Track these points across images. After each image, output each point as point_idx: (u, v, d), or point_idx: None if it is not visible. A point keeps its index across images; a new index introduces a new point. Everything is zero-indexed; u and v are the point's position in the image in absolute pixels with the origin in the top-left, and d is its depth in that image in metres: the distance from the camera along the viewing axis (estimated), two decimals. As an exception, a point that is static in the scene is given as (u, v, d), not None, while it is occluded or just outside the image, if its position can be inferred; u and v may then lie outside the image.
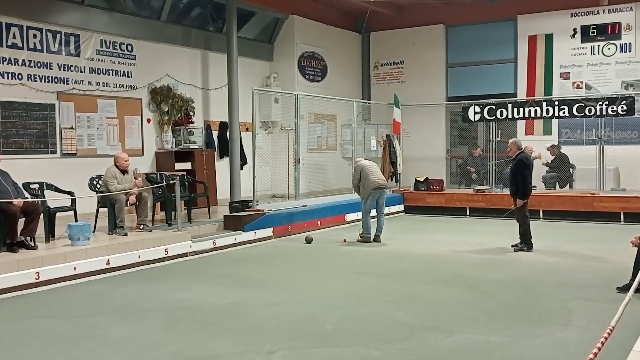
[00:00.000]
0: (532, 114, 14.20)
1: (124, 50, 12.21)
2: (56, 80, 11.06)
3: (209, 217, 11.21)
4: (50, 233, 8.62)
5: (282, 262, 9.21)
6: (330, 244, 10.67)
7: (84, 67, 11.51)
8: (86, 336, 5.53)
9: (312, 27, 16.14)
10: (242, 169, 13.06)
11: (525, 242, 9.60)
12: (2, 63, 10.31)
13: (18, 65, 10.51)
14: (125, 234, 9.09)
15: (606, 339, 3.49)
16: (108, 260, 8.30)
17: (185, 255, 9.40)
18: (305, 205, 12.39)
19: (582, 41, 15.37)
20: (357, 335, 5.42)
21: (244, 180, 12.67)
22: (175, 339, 5.43)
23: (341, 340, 5.30)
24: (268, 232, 11.12)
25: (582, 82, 15.43)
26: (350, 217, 13.04)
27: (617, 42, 15.01)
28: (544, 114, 14.05)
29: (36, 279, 7.46)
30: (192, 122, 13.32)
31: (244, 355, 4.97)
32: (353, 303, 6.58)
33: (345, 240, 10.79)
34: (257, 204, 11.32)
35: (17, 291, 7.20)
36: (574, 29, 15.43)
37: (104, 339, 5.43)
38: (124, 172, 9.50)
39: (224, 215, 10.99)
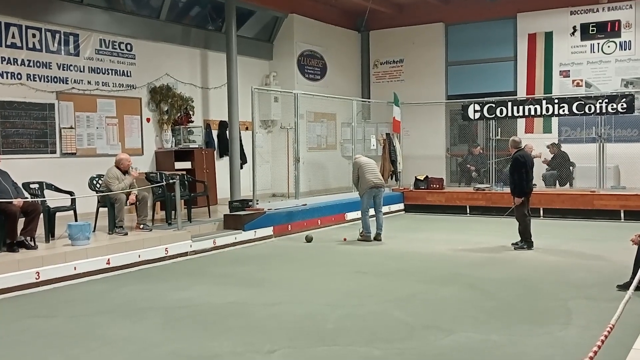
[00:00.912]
0: (532, 112, 14.21)
1: (123, 50, 12.21)
2: (55, 79, 11.05)
3: (209, 217, 11.21)
4: (50, 233, 8.62)
5: (282, 262, 9.21)
6: (330, 243, 10.67)
7: (83, 67, 11.50)
8: (86, 336, 5.54)
9: (311, 26, 16.14)
10: (242, 168, 13.06)
11: (525, 240, 9.60)
12: (1, 63, 10.30)
13: (17, 65, 10.51)
14: (126, 234, 9.09)
15: (606, 337, 3.48)
16: (108, 259, 8.30)
17: (185, 254, 9.40)
18: (305, 205, 12.39)
19: (582, 39, 15.36)
20: (357, 335, 5.42)
21: (244, 179, 12.67)
22: (175, 338, 5.43)
23: (341, 340, 5.30)
24: (268, 231, 11.13)
25: (582, 80, 15.42)
26: (350, 216, 13.05)
27: (617, 40, 15.00)
28: (544, 112, 14.06)
29: (36, 278, 7.46)
30: (192, 122, 13.32)
31: (244, 354, 4.97)
32: (353, 302, 6.58)
33: (345, 239, 10.80)
34: (257, 203, 11.33)
35: (17, 291, 7.20)
36: (574, 27, 15.42)
37: (103, 339, 5.43)
38: (125, 172, 9.51)
39: (224, 215, 10.99)
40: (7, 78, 10.37)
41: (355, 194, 11.24)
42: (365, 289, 7.22)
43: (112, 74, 11.98)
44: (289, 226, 11.61)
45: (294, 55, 15.70)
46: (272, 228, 11.21)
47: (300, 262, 9.20)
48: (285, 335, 5.43)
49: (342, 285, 7.47)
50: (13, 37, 10.45)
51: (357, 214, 11.96)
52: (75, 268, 7.89)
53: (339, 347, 5.14)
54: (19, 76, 10.53)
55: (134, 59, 12.41)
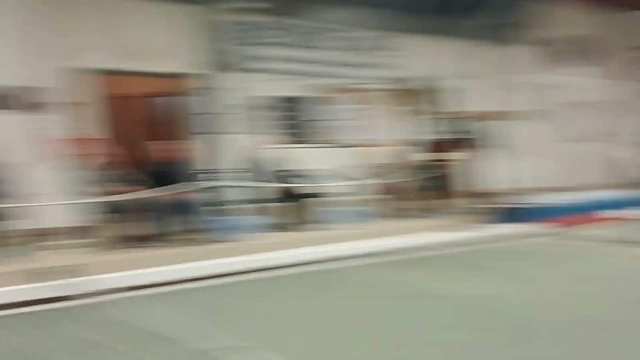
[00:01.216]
0: None
1: (387, 45, 12.37)
2: (320, 75, 11.43)
3: (470, 208, 10.91)
4: (316, 217, 9.17)
5: (545, 259, 8.47)
6: (605, 244, 9.47)
7: (344, 62, 11.77)
8: (359, 316, 5.52)
9: (572, 9, 14.90)
10: (506, 159, 12.38)
11: None
12: (270, 61, 10.84)
13: (290, 62, 11.02)
14: (402, 220, 9.49)
15: None
16: (373, 244, 8.56)
17: (450, 244, 9.28)
18: (576, 200, 11.55)
19: None
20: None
21: (509, 171, 12.13)
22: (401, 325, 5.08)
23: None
24: (533, 226, 10.45)
25: None
26: (628, 214, 11.60)
27: None
28: None
29: (307, 259, 7.88)
30: (454, 113, 12.97)
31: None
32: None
33: (627, 242, 9.50)
34: (523, 197, 10.93)
35: (287, 268, 7.63)
36: None
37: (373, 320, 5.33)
38: (384, 162, 9.72)
39: (487, 207, 10.77)
40: (278, 75, 10.87)
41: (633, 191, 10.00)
42: (622, 301, 5.90)
43: (371, 68, 12.11)
44: (559, 222, 10.72)
45: (555, 40, 14.59)
46: (537, 223, 10.49)
47: (555, 260, 8.34)
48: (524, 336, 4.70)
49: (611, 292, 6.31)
50: (282, 36, 11.00)
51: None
52: (345, 250, 8.26)
53: None
54: (292, 73, 11.03)
55: (397, 52, 12.42)
